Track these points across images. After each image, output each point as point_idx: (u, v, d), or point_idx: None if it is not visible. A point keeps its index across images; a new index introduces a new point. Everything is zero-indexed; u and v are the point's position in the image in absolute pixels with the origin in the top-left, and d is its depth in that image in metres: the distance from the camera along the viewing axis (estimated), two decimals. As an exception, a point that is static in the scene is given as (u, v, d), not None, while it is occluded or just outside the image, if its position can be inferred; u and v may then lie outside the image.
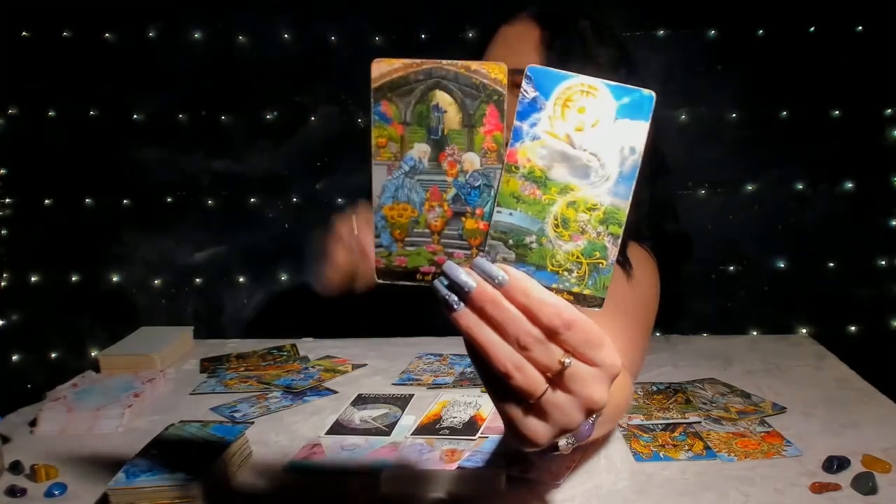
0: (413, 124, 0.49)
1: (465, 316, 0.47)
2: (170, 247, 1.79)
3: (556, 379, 0.48)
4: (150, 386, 1.03)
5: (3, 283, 1.81)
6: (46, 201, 1.79)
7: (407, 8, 1.65)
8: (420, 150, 0.49)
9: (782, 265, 1.66)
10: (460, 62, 0.48)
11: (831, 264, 1.65)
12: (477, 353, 0.48)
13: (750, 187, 1.65)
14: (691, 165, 1.65)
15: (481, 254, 0.49)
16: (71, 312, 1.81)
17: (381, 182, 0.50)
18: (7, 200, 1.79)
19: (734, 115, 1.63)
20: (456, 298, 0.47)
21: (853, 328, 1.67)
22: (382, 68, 0.48)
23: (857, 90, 1.59)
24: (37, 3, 1.71)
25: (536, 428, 0.49)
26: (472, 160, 0.49)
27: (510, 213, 0.49)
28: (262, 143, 1.73)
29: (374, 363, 1.14)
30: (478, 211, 0.49)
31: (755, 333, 1.64)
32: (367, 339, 1.26)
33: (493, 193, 0.49)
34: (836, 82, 1.59)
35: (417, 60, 0.48)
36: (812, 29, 1.58)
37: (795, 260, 1.66)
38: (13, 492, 0.76)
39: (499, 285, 0.47)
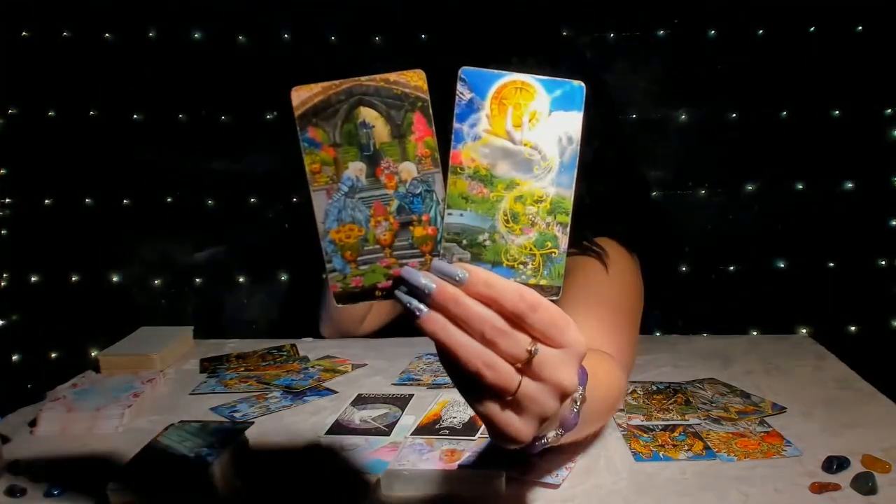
0: (343, 144, 0.50)
1: (429, 321, 0.48)
2: (170, 247, 1.79)
3: (525, 368, 0.48)
4: (150, 386, 1.03)
5: (3, 283, 1.81)
6: (46, 201, 1.79)
7: (407, 8, 1.65)
8: (356, 169, 0.50)
9: (782, 265, 1.66)
10: (378, 76, 0.49)
11: (831, 264, 1.65)
12: (447, 357, 0.49)
13: (750, 187, 1.65)
14: (691, 165, 1.65)
15: (438, 257, 0.50)
16: (71, 312, 1.81)
17: (323, 207, 0.50)
18: (7, 200, 1.79)
19: (734, 115, 1.63)
20: (419, 304, 0.48)
21: (853, 328, 1.67)
22: (302, 95, 0.50)
23: (857, 90, 1.59)
24: (37, 3, 1.71)
25: (516, 423, 0.50)
26: (409, 169, 0.50)
27: (461, 214, 0.50)
28: (262, 143, 1.73)
29: (374, 363, 1.14)
30: (424, 217, 0.50)
31: (755, 333, 1.64)
32: (367, 339, 1.26)
33: (435, 198, 0.50)
34: (836, 82, 1.59)
35: (336, 81, 0.49)
36: (812, 29, 1.58)
37: (795, 260, 1.66)
38: (13, 492, 0.76)
39: (459, 283, 0.47)
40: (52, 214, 1.79)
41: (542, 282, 0.51)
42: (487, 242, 0.50)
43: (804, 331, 1.63)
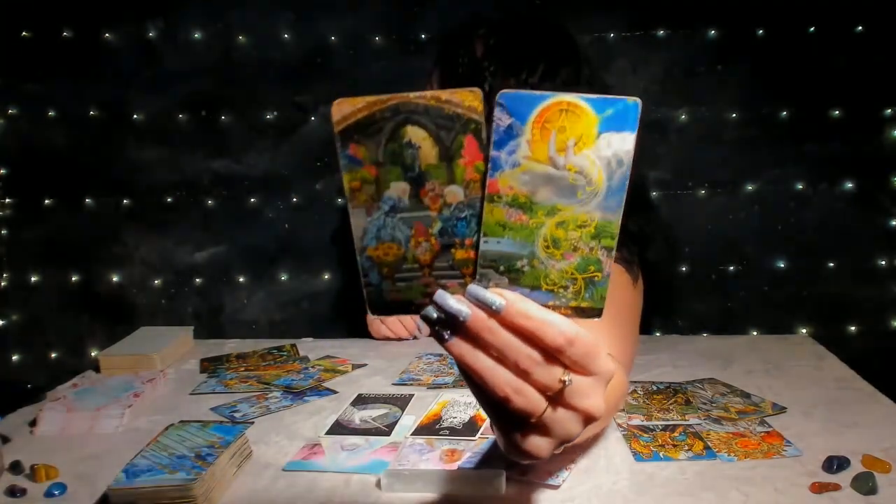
0: (387, 164, 0.47)
1: (457, 345, 0.46)
2: (170, 247, 1.79)
3: (556, 396, 0.47)
4: (150, 386, 1.03)
5: (3, 283, 1.81)
6: (46, 201, 1.79)
7: (407, 8, 1.65)
8: (399, 189, 0.47)
9: (782, 265, 1.66)
10: (429, 93, 0.45)
11: (831, 264, 1.65)
12: (472, 379, 0.47)
13: (750, 187, 1.65)
14: (691, 165, 1.65)
15: (475, 282, 0.48)
16: (71, 312, 1.81)
17: (363, 225, 0.48)
18: (7, 200, 1.79)
19: (734, 115, 1.63)
20: (446, 330, 0.46)
21: (853, 328, 1.66)
22: (345, 109, 0.46)
23: (857, 90, 1.59)
24: (37, 3, 1.71)
25: (538, 444, 0.49)
26: (455, 192, 0.47)
27: (498, 242, 0.47)
28: (262, 143, 1.73)
29: (374, 363, 1.14)
30: (467, 241, 0.48)
31: (755, 333, 1.64)
32: (367, 339, 1.26)
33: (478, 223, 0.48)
34: (836, 82, 1.59)
35: (382, 97, 0.46)
36: (812, 29, 1.58)
37: (795, 260, 1.66)
38: (13, 492, 0.76)
39: (496, 311, 0.45)
40: (52, 214, 1.79)
41: (584, 304, 0.49)
42: (526, 268, 0.48)
43: (804, 331, 1.63)
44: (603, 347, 0.48)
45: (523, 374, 0.46)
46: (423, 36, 1.66)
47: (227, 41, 1.70)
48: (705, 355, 1.12)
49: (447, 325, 0.46)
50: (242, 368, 1.13)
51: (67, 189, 1.78)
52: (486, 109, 0.46)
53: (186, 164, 1.75)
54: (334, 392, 1.02)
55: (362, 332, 1.29)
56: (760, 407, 0.92)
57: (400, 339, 1.24)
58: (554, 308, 0.48)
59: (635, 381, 1.00)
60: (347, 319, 1.41)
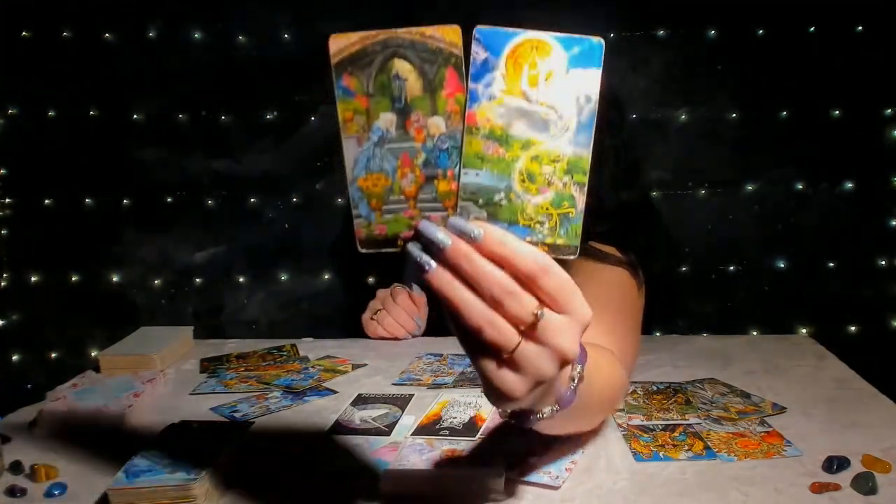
0: (376, 95, 0.50)
1: (437, 276, 0.48)
2: (170, 247, 1.79)
3: (529, 331, 0.49)
4: (150, 386, 1.03)
5: (3, 283, 1.81)
6: (46, 201, 1.79)
7: (407, 8, 1.65)
8: (386, 120, 0.50)
9: (782, 265, 1.66)
10: (415, 29, 0.49)
11: (831, 264, 1.65)
12: (451, 312, 0.49)
13: (750, 187, 1.65)
14: (691, 165, 1.65)
15: (455, 214, 0.50)
16: (71, 312, 1.81)
17: (353, 155, 0.50)
18: (7, 200, 1.79)
19: (734, 115, 1.63)
20: (429, 259, 0.48)
21: (853, 328, 1.67)
22: (340, 43, 0.49)
23: (857, 90, 1.59)
24: (37, 3, 1.71)
25: (511, 380, 0.50)
26: (437, 124, 0.50)
27: (476, 174, 0.50)
28: (262, 143, 1.73)
29: (374, 363, 1.14)
30: (449, 173, 0.50)
31: (755, 333, 1.64)
32: (367, 339, 1.26)
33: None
34: (836, 82, 1.59)
35: (373, 32, 0.49)
36: (812, 29, 1.58)
37: (795, 260, 1.66)
38: (13, 492, 0.76)
39: (474, 240, 0.47)
40: (52, 214, 1.79)
41: (559, 241, 0.51)
42: (503, 202, 0.50)
43: (804, 331, 1.63)
44: (578, 289, 0.50)
45: (497, 305, 0.48)
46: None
47: (227, 41, 1.70)
48: (705, 355, 1.12)
49: (429, 254, 0.48)
50: (242, 368, 1.13)
51: (67, 189, 1.78)
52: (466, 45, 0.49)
53: (186, 164, 1.75)
54: (334, 392, 1.02)
55: (362, 331, 1.29)
56: (760, 407, 0.92)
57: (396, 339, 1.24)
58: (531, 244, 0.49)
59: (635, 382, 1.00)
60: (348, 319, 1.41)
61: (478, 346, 0.50)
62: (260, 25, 1.69)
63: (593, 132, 0.49)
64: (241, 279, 1.79)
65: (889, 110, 1.59)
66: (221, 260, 1.79)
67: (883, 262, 1.64)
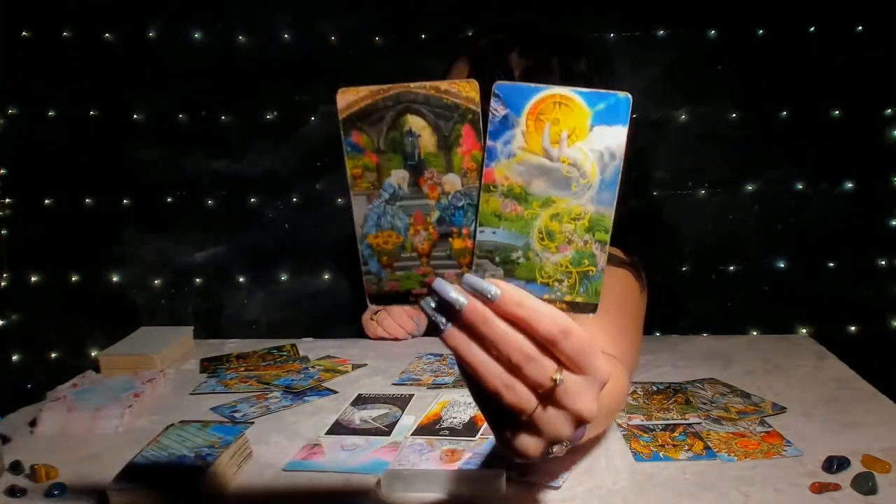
0: (387, 151, 0.48)
1: (453, 336, 0.46)
2: (170, 247, 1.79)
3: (547, 394, 0.47)
4: (150, 386, 1.03)
5: (3, 283, 1.81)
6: (46, 201, 1.79)
7: (407, 8, 1.65)
8: (398, 177, 0.48)
9: (782, 265, 1.66)
10: (429, 83, 0.47)
11: (831, 264, 1.65)
12: (467, 371, 0.48)
13: (750, 187, 1.65)
14: (691, 165, 1.65)
15: (471, 272, 0.49)
16: (71, 312, 1.81)
17: (363, 212, 0.49)
18: (7, 200, 1.79)
19: (734, 115, 1.63)
20: (443, 319, 0.47)
21: (853, 328, 1.67)
22: (348, 98, 0.47)
23: (857, 90, 1.59)
24: (37, 3, 1.71)
25: (528, 443, 0.49)
26: (452, 181, 0.48)
27: (493, 232, 0.48)
28: (262, 144, 1.73)
29: (374, 363, 1.14)
30: (464, 230, 0.49)
31: (755, 333, 1.64)
32: (367, 339, 1.26)
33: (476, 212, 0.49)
34: (836, 82, 1.59)
35: (384, 86, 0.47)
36: (812, 29, 1.58)
37: (795, 260, 1.66)
38: (13, 492, 0.76)
39: (490, 300, 0.46)
40: (52, 214, 1.79)
41: (578, 299, 0.49)
42: (521, 260, 0.49)
43: (804, 331, 1.63)
44: (599, 348, 0.48)
45: (515, 369, 0.46)
46: (422, 35, 1.66)
47: (227, 41, 1.70)
48: (705, 355, 1.12)
49: (444, 314, 0.47)
50: (242, 368, 1.13)
51: (67, 189, 1.78)
52: (483, 101, 0.47)
53: (186, 164, 1.75)
54: (334, 392, 1.02)
55: (362, 332, 1.29)
56: (760, 407, 0.92)
57: (396, 340, 1.24)
58: (549, 302, 0.48)
59: (635, 382, 1.00)
60: (347, 319, 1.41)
61: (494, 409, 0.48)
62: (260, 25, 1.69)
63: (617, 190, 0.48)
64: (241, 279, 1.79)
65: (889, 110, 1.59)
66: (221, 260, 1.79)
67: (883, 262, 1.64)
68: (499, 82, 0.46)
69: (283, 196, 1.75)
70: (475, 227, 0.48)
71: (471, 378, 0.48)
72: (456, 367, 1.08)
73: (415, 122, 0.47)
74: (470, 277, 0.47)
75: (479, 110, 0.47)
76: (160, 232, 1.78)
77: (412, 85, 0.47)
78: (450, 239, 0.49)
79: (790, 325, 1.66)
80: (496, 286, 0.46)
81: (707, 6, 1.60)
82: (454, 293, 0.46)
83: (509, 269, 0.49)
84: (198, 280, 1.80)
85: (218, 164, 1.75)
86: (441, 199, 0.48)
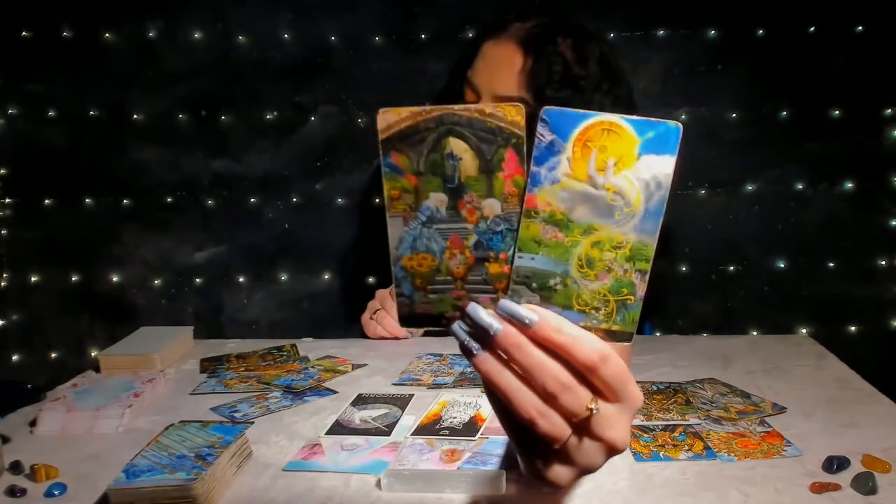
0: (427, 174, 0.47)
1: (485, 361, 0.46)
2: (170, 247, 1.79)
3: (582, 423, 0.46)
4: (150, 386, 1.03)
5: (3, 283, 1.81)
6: (46, 201, 1.79)
7: (407, 8, 1.65)
8: (437, 200, 0.48)
9: (782, 265, 1.66)
10: (473, 106, 0.46)
11: (831, 264, 1.65)
12: (497, 398, 0.47)
13: (750, 187, 1.65)
14: (691, 165, 1.65)
15: (506, 297, 0.48)
16: (71, 312, 1.81)
17: (398, 234, 0.48)
18: (7, 200, 1.80)
19: (734, 115, 1.63)
20: (476, 345, 0.46)
21: (853, 328, 1.67)
22: (389, 118, 0.46)
23: (857, 90, 1.59)
24: (37, 3, 1.71)
25: (560, 472, 0.49)
26: (492, 206, 0.47)
27: (532, 258, 0.48)
28: (262, 143, 1.73)
29: (374, 363, 1.14)
30: (502, 255, 0.48)
31: (755, 333, 1.64)
32: (367, 339, 1.26)
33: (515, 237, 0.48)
34: (836, 82, 1.60)
35: (427, 108, 0.46)
36: (812, 29, 1.58)
37: (795, 260, 1.66)
38: (13, 492, 0.76)
39: (528, 326, 0.45)
40: (52, 214, 1.79)
41: (615, 327, 0.48)
42: (559, 286, 0.48)
43: (804, 331, 1.63)
44: (631, 375, 0.48)
45: (550, 397, 0.45)
46: (422, 36, 1.66)
47: (227, 41, 1.70)
48: (705, 355, 1.12)
49: (477, 339, 0.46)
50: (242, 368, 1.13)
51: (67, 189, 1.78)
52: (528, 125, 0.46)
53: (186, 164, 1.75)
54: (334, 392, 1.02)
55: (362, 331, 1.29)
56: (760, 407, 0.92)
57: (396, 339, 1.24)
58: (585, 329, 0.47)
59: (635, 382, 1.00)
60: (347, 319, 1.41)
61: (526, 437, 0.48)
62: (260, 25, 1.69)
63: (661, 220, 0.47)
64: (241, 279, 1.79)
65: (889, 110, 1.60)
66: (221, 260, 1.79)
67: (883, 262, 1.64)
68: (547, 108, 0.45)
69: (282, 196, 1.75)
70: (513, 253, 0.48)
71: (501, 404, 0.47)
72: (455, 368, 1.08)
73: (456, 145, 0.47)
74: (506, 303, 0.46)
75: (523, 134, 0.46)
76: (160, 232, 1.78)
77: (456, 107, 0.46)
78: (486, 264, 0.48)
79: (790, 325, 1.66)
80: (534, 312, 0.45)
81: (707, 6, 1.60)
82: (488, 318, 0.45)
83: (546, 296, 0.48)
84: (198, 280, 1.80)
85: (218, 164, 1.75)
86: (480, 223, 0.48)
